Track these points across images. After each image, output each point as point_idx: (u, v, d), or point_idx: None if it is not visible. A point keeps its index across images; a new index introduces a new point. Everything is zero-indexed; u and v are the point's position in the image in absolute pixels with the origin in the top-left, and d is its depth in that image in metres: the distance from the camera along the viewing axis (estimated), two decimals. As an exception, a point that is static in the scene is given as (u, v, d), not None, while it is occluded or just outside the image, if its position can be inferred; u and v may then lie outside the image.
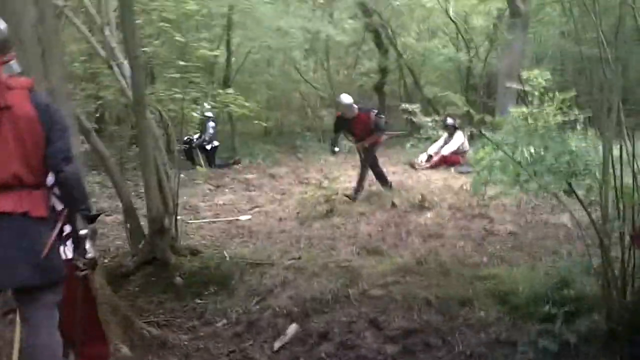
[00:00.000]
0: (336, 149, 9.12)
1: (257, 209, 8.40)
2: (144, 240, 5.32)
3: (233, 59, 15.66)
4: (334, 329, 4.24)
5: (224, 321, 4.56)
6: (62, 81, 3.81)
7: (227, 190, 10.24)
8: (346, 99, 8.52)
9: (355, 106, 8.50)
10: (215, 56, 12.29)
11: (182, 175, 11.34)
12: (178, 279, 5.08)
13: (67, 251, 3.69)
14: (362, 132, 8.54)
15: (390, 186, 8.74)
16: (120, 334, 3.99)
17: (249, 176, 11.47)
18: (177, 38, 5.41)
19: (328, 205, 7.74)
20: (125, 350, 3.89)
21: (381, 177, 8.84)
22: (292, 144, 15.65)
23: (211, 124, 13.02)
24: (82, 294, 3.61)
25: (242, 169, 12.63)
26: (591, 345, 3.66)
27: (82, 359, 3.70)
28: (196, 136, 13.09)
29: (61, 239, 2.91)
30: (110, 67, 5.18)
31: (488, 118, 4.18)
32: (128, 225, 5.44)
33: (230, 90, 5.73)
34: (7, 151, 2.66)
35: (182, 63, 5.18)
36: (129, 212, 5.38)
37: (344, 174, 11.01)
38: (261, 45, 15.45)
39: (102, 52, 5.18)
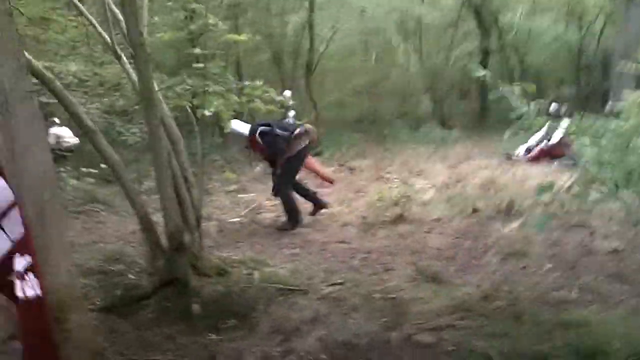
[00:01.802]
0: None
1: (322, 210, 7.53)
2: (163, 258, 4.58)
3: (323, 46, 14.91)
4: (367, 386, 3.31)
5: (239, 365, 3.73)
6: (18, 77, 3.08)
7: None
8: (234, 124, 6.69)
9: (242, 130, 7.01)
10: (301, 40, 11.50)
11: (258, 168, 10.84)
12: (195, 307, 4.30)
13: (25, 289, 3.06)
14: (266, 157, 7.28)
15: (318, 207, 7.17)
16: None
17: (327, 169, 10.62)
18: (211, 22, 4.57)
19: (399, 208, 6.77)
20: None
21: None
22: (382, 132, 14.68)
23: (292, 112, 12.30)
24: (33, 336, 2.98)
25: (322, 161, 11.80)
26: None
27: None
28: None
29: None
30: (118, 57, 4.46)
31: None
32: (146, 241, 4.72)
33: (259, 83, 4.81)
34: None
35: (197, 51, 4.36)
36: (146, 226, 4.65)
37: (432, 168, 10.02)
38: (349, 29, 14.60)
39: (108, 38, 4.44)
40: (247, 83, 4.82)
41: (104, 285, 4.99)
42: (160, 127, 4.38)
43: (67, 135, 12.11)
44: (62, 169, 9.10)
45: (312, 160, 7.59)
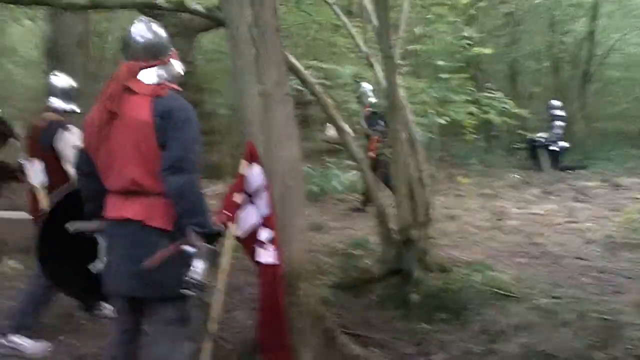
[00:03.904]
0: None
1: (571, 225, 7.38)
2: (394, 249, 5.05)
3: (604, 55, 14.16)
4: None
5: (442, 356, 4.03)
6: (278, 84, 3.75)
7: (552, 197, 9.26)
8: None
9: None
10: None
11: (516, 176, 10.83)
12: (413, 296, 4.69)
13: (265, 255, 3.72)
14: None
15: None
16: (316, 347, 3.82)
17: (588, 184, 10.19)
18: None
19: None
20: (310, 364, 3.71)
21: None
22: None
23: (558, 123, 11.96)
24: (266, 295, 3.60)
25: (586, 174, 11.28)
26: None
27: (264, 366, 3.71)
28: (542, 135, 12.15)
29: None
30: (370, 65, 4.99)
31: None
32: (380, 232, 5.23)
33: (498, 94, 4.95)
34: (125, 157, 2.66)
35: (440, 63, 4.68)
36: (381, 219, 5.15)
37: None
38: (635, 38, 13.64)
39: (364, 48, 4.98)
40: (490, 94, 4.99)
41: (343, 267, 5.65)
42: (402, 130, 4.83)
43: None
44: (331, 160, 10.14)
45: None
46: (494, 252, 6.11)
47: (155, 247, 2.63)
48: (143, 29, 2.83)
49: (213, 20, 4.49)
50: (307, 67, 6.04)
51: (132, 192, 2.68)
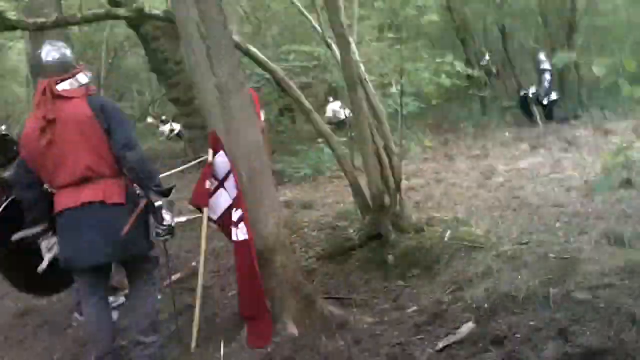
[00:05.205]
0: None
1: (555, 175, 7.61)
2: (369, 215, 5.36)
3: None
4: (515, 334, 3.69)
5: (414, 308, 4.35)
6: (231, 75, 4.03)
7: (541, 150, 9.44)
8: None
9: None
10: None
11: (507, 134, 11.06)
12: (390, 258, 5.02)
13: (238, 234, 4.04)
14: None
15: None
16: (296, 313, 4.14)
17: (578, 133, 10.35)
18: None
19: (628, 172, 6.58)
20: (292, 329, 4.03)
21: None
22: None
23: (546, 76, 12.09)
24: (243, 270, 3.95)
25: (579, 124, 11.42)
26: None
27: (248, 336, 4.05)
28: (532, 90, 12.32)
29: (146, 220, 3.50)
30: (328, 46, 5.26)
31: None
32: (357, 202, 5.53)
33: (449, 58, 5.17)
34: (76, 150, 3.25)
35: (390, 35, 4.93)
36: (356, 190, 5.46)
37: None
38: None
39: (319, 29, 5.27)
40: (440, 60, 5.24)
41: (329, 238, 5.98)
42: (363, 104, 5.11)
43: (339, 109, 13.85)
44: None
45: None
46: (474, 209, 6.35)
47: (119, 218, 3.30)
48: (53, 50, 3.42)
49: (169, 22, 4.78)
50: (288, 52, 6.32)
51: (87, 178, 3.28)
